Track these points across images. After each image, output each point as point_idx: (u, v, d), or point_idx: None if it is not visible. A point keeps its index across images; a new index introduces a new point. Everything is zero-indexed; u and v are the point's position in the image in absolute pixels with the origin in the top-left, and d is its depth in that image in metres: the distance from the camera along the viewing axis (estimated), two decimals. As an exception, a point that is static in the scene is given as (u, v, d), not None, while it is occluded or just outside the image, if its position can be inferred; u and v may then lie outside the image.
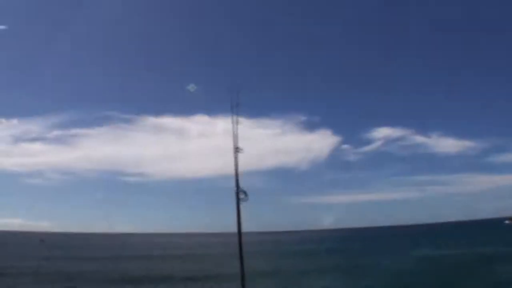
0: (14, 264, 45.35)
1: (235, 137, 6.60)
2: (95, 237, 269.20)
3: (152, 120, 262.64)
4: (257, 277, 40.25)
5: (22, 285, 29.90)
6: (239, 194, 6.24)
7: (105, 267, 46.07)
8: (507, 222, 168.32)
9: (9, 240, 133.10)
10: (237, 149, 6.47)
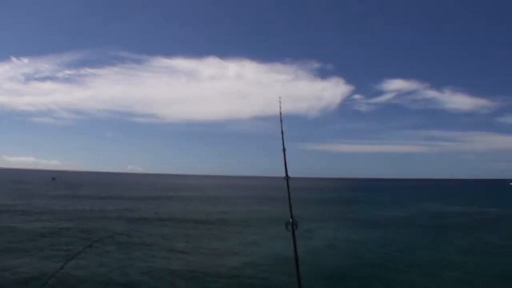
0: (27, 202, 45.45)
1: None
2: (105, 176, 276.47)
3: (163, 61, 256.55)
4: (264, 223, 40.14)
5: (34, 222, 29.53)
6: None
7: (116, 206, 46.18)
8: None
9: (22, 178, 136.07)
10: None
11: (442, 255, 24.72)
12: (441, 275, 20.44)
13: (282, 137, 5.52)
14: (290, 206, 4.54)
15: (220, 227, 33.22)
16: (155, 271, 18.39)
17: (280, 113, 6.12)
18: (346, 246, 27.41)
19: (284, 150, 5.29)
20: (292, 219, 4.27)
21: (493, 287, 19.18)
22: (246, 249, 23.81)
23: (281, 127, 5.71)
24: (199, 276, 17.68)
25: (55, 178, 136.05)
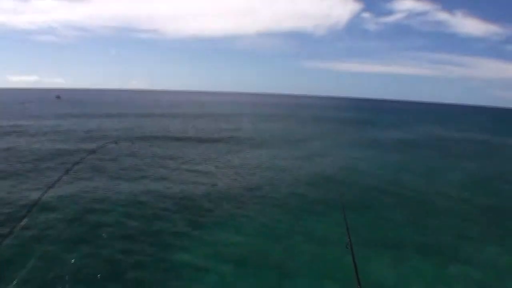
0: (32, 122, 45.09)
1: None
2: (109, 93, 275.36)
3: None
4: (263, 141, 39.88)
5: (42, 143, 29.28)
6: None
7: (121, 124, 45.89)
8: None
9: (26, 97, 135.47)
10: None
11: (445, 178, 24.69)
12: (439, 198, 20.38)
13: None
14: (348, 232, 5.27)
15: (228, 145, 33.04)
16: (167, 186, 18.31)
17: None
18: (351, 163, 27.36)
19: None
20: (349, 239, 4.87)
21: (492, 207, 19.07)
22: (258, 169, 23.67)
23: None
24: (219, 191, 17.62)
25: (59, 96, 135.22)
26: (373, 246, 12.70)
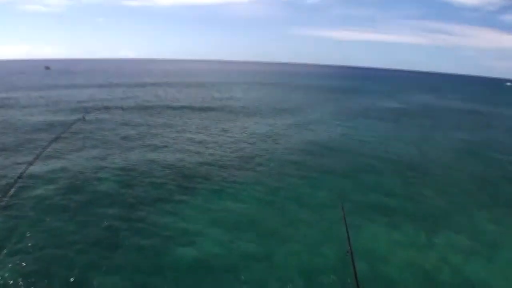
0: (22, 94, 44.37)
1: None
2: (99, 62, 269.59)
3: None
4: (264, 109, 39.79)
5: (34, 115, 28.99)
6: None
7: (112, 94, 45.33)
8: (508, 84, 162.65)
9: (16, 69, 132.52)
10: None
11: (436, 147, 24.92)
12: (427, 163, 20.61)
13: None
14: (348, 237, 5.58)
15: (221, 114, 32.96)
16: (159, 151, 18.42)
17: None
18: (344, 131, 27.57)
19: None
20: (350, 247, 5.15)
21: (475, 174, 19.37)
22: (252, 137, 23.81)
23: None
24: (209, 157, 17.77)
25: (49, 67, 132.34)
26: (365, 212, 13.02)
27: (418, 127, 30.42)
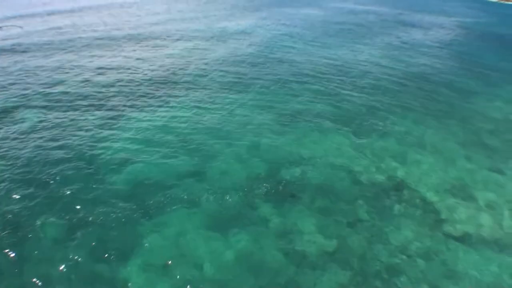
0: None
1: None
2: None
3: None
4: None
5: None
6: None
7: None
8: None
9: None
10: None
11: (360, 52, 25.84)
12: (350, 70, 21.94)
13: None
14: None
15: (154, 42, 32.19)
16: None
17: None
18: (271, 40, 28.41)
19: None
20: None
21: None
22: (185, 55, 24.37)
23: None
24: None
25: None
26: (293, 120, 14.25)
27: (340, 32, 32.13)
